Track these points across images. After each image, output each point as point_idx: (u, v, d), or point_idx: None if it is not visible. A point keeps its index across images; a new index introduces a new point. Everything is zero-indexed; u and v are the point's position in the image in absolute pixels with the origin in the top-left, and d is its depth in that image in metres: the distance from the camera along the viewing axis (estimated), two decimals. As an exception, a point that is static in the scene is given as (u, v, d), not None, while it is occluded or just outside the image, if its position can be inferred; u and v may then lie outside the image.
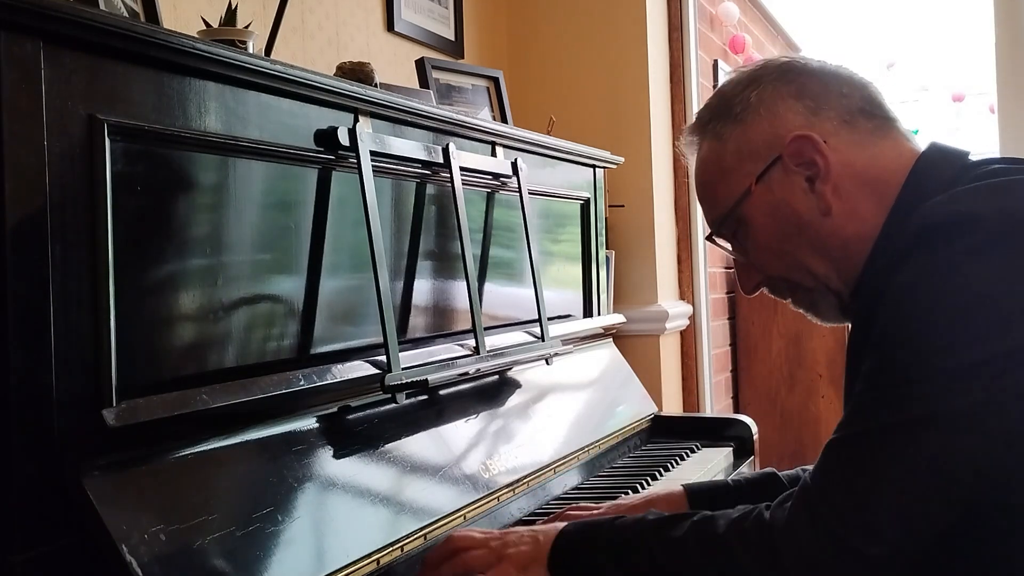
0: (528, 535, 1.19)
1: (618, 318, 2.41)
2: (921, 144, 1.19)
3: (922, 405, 0.98)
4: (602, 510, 1.43)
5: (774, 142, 1.15)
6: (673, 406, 3.03)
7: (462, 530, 1.24)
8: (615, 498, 1.59)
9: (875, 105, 1.17)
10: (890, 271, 1.03)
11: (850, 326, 1.18)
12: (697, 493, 1.43)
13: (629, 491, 1.67)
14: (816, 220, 1.14)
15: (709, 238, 1.26)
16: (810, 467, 1.46)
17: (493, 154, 1.86)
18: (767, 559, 1.03)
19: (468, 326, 1.69)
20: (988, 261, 0.98)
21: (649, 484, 1.77)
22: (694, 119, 1.28)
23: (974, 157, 1.16)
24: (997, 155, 2.35)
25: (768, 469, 1.48)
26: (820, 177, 1.14)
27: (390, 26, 2.52)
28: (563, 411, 1.91)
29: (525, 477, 1.62)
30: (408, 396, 1.43)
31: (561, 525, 1.20)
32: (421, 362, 1.49)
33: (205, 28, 1.58)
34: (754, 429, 2.21)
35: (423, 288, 1.65)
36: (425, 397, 1.52)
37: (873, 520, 0.99)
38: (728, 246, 1.24)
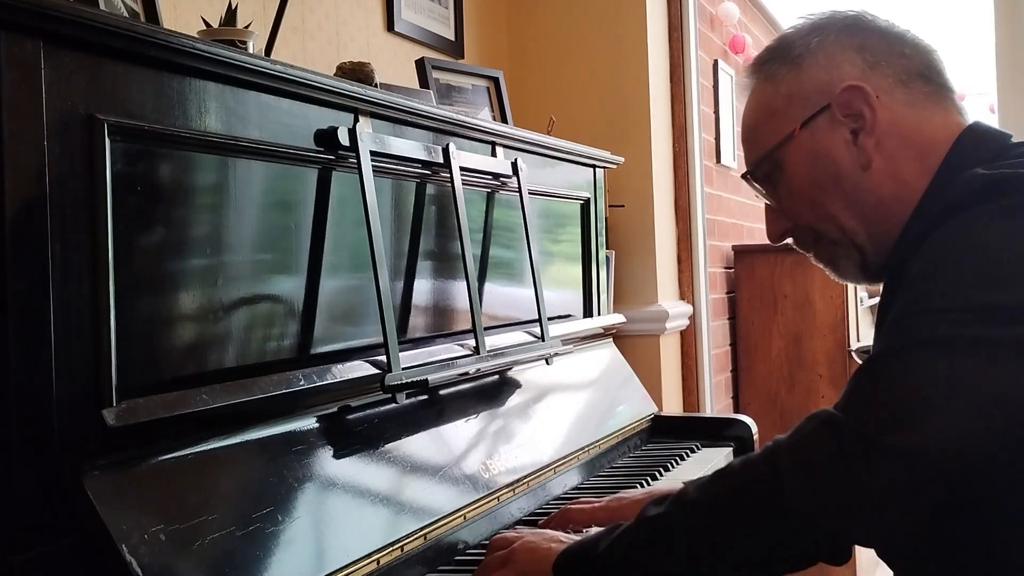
0: (546, 540, 1.18)
1: (618, 318, 2.41)
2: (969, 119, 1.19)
3: (960, 328, 0.95)
4: (602, 505, 1.43)
5: (826, 89, 1.15)
6: (673, 406, 3.03)
7: (493, 550, 1.23)
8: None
9: (935, 72, 1.17)
10: (926, 233, 1.03)
11: (882, 287, 1.17)
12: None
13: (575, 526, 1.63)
14: (854, 174, 1.14)
15: (744, 176, 1.25)
16: None
17: (493, 154, 1.86)
18: (768, 467, 0.99)
19: (468, 326, 1.69)
20: (1016, 222, 0.97)
21: (649, 484, 1.77)
22: (754, 57, 1.27)
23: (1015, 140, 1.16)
24: None
25: None
26: (865, 130, 1.13)
27: (390, 26, 2.51)
28: (563, 411, 1.91)
29: (525, 477, 1.62)
30: (408, 396, 1.43)
31: (572, 539, 1.17)
32: (421, 362, 1.49)
33: (205, 28, 1.58)
34: (754, 429, 2.21)
35: (423, 288, 1.65)
36: (425, 397, 1.52)
37: (914, 420, 0.93)
38: (762, 189, 1.23)
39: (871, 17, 1.20)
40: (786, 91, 1.18)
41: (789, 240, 1.25)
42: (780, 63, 1.20)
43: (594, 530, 1.44)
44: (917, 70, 1.16)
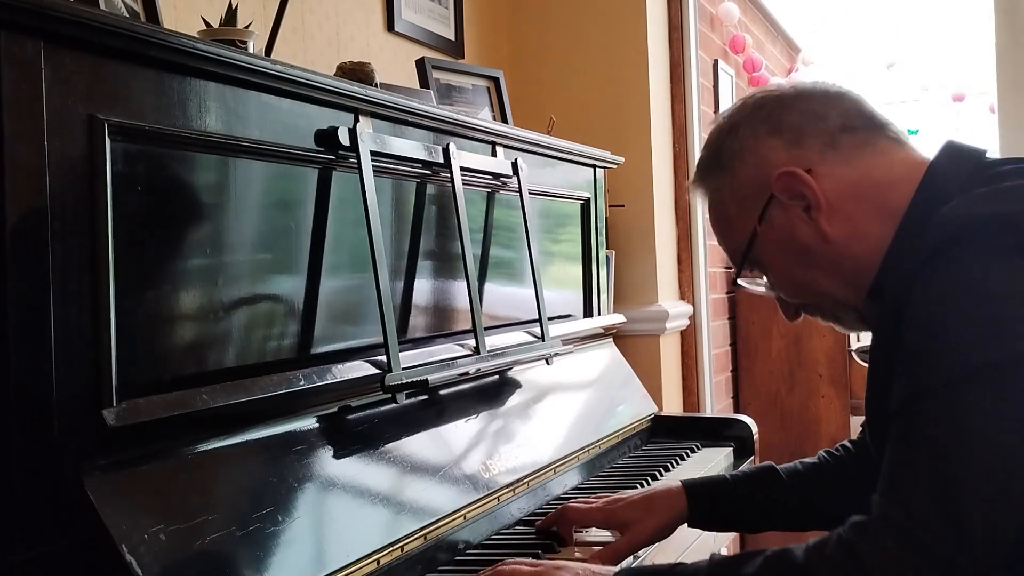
0: (583, 573, 1.16)
1: (618, 318, 2.41)
2: (917, 145, 1.19)
3: (962, 365, 0.96)
4: (599, 505, 1.43)
5: (763, 183, 1.18)
6: (673, 406, 3.03)
7: (511, 561, 1.22)
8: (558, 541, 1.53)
9: (855, 117, 1.19)
10: (913, 276, 1.04)
11: (872, 336, 1.18)
12: (695, 488, 1.43)
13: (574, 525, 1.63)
14: (821, 247, 1.17)
15: (734, 283, 1.30)
16: (807, 459, 1.48)
17: (493, 154, 1.86)
18: None
19: (468, 326, 1.69)
20: (1013, 262, 0.98)
21: (649, 484, 1.77)
22: (694, 172, 1.32)
23: (991, 155, 1.15)
24: (998, 155, 2.33)
25: (767, 463, 1.48)
26: (813, 207, 1.16)
27: (390, 26, 2.51)
28: (563, 411, 1.91)
29: (525, 477, 1.62)
30: (408, 396, 1.43)
31: (614, 569, 1.17)
32: (421, 362, 1.49)
33: (205, 28, 1.58)
34: (754, 429, 2.21)
35: (423, 288, 1.65)
36: (425, 397, 1.52)
37: (956, 511, 0.94)
38: (759, 285, 1.29)
39: (776, 92, 1.23)
40: (731, 196, 1.23)
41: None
42: (715, 173, 1.25)
43: (595, 533, 1.46)
44: (838, 125, 1.17)
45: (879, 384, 1.13)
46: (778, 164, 1.17)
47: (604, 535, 1.45)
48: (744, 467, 1.50)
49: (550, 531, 1.47)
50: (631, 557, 1.39)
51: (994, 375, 0.95)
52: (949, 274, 1.00)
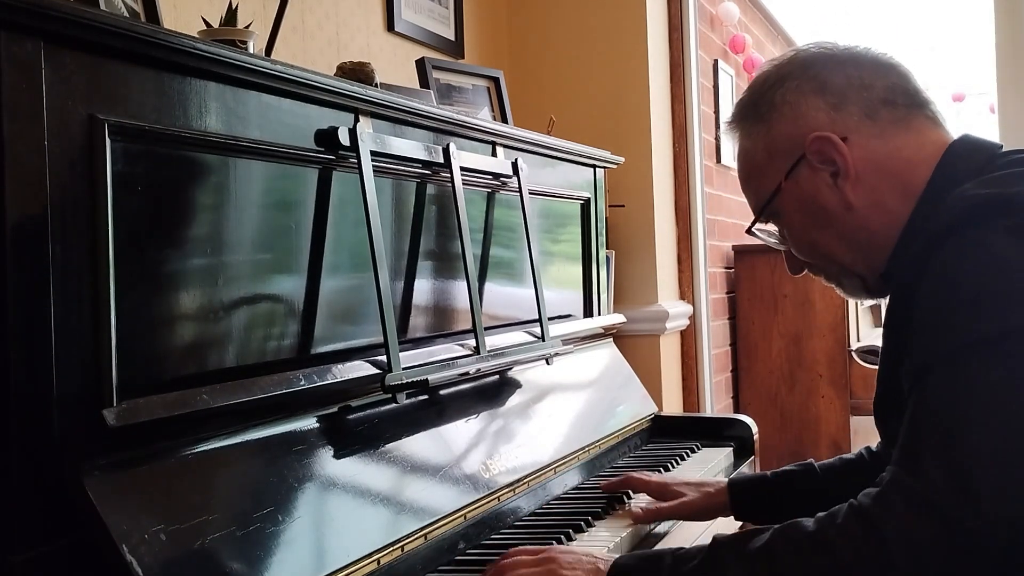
0: (586, 560, 1.16)
1: (618, 318, 2.41)
2: (952, 128, 1.22)
3: (972, 334, 0.98)
4: (656, 479, 1.61)
5: (797, 141, 1.20)
6: (673, 406, 3.03)
7: (514, 551, 1.24)
8: (618, 499, 1.66)
9: (899, 93, 1.20)
10: (927, 253, 1.06)
11: (885, 308, 1.22)
12: (736, 484, 1.55)
13: (630, 491, 1.67)
14: (842, 213, 1.19)
15: (749, 230, 1.31)
16: (846, 455, 1.53)
17: (493, 154, 1.86)
18: (873, 548, 0.98)
19: (468, 326, 1.69)
20: (1021, 239, 1.00)
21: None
22: (730, 112, 1.33)
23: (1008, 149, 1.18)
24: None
25: (808, 460, 1.56)
26: (841, 174, 1.18)
27: (390, 26, 2.51)
28: (563, 411, 1.91)
29: (525, 477, 1.62)
30: (408, 396, 1.43)
31: (614, 555, 1.17)
32: (421, 362, 1.49)
33: (205, 28, 1.58)
34: (754, 429, 2.21)
35: (423, 288, 1.65)
36: (425, 397, 1.52)
37: (964, 475, 0.95)
38: (767, 237, 1.31)
39: (830, 52, 1.24)
40: (763, 146, 1.24)
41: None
42: (752, 121, 1.26)
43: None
44: (880, 98, 1.19)
45: (891, 357, 1.14)
46: (816, 125, 1.19)
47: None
48: (787, 465, 1.59)
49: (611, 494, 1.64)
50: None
51: (1003, 344, 0.97)
52: (958, 251, 1.02)
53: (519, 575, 1.17)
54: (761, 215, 1.27)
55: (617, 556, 1.17)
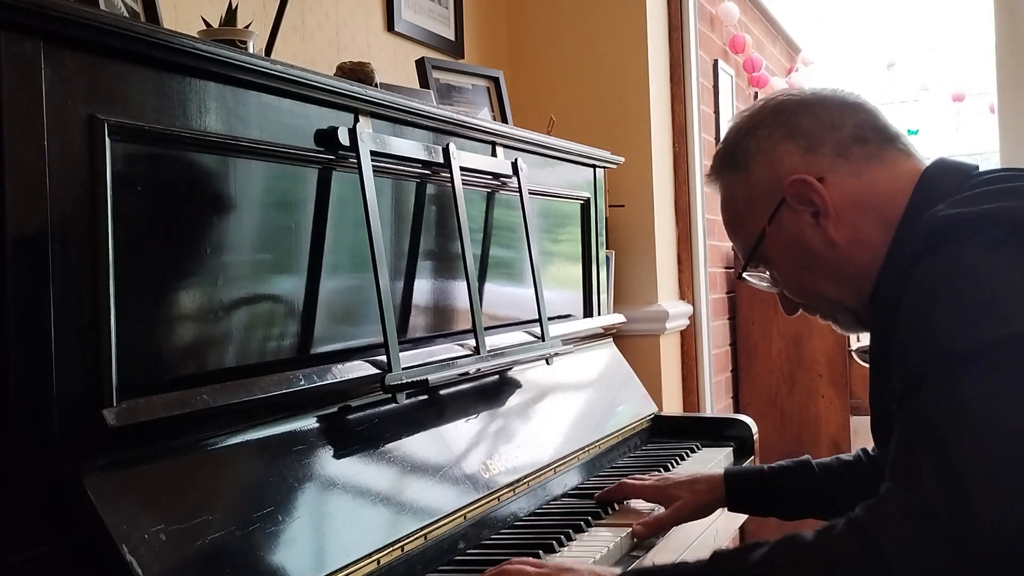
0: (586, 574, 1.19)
1: (618, 318, 2.41)
2: (925, 156, 1.25)
3: (954, 348, 1.00)
4: (651, 482, 1.61)
5: (776, 186, 1.24)
6: (673, 406, 3.03)
7: (517, 560, 1.24)
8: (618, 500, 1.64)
9: (869, 129, 1.24)
10: (904, 274, 1.09)
11: (870, 337, 1.23)
12: (733, 477, 1.56)
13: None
14: (826, 252, 1.23)
15: (739, 278, 1.36)
16: (844, 455, 1.55)
17: (493, 154, 1.86)
18: (871, 559, 0.99)
19: (468, 326, 1.69)
20: (1000, 256, 1.02)
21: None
22: (710, 165, 1.38)
23: (983, 169, 1.21)
24: (998, 154, 2.40)
25: (804, 457, 1.57)
26: (822, 214, 1.21)
27: (390, 26, 2.51)
28: (563, 411, 1.91)
29: (525, 477, 1.62)
30: (408, 396, 1.43)
31: (618, 570, 1.20)
32: (421, 362, 1.49)
33: (205, 28, 1.58)
34: (754, 429, 2.21)
35: (423, 288, 1.65)
36: (425, 397, 1.52)
37: (959, 486, 0.96)
38: (762, 278, 1.35)
39: (797, 98, 1.28)
40: (743, 195, 1.29)
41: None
42: (731, 171, 1.30)
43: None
44: (852, 136, 1.22)
45: (878, 381, 1.17)
46: (791, 169, 1.23)
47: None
48: (783, 460, 1.60)
49: (604, 503, 1.62)
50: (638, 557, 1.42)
51: (984, 357, 0.99)
52: (934, 269, 1.05)
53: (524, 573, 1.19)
54: (750, 261, 1.31)
55: (619, 572, 1.19)
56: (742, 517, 1.98)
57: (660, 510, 1.58)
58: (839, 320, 1.31)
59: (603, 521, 1.56)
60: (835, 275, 1.24)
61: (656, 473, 1.71)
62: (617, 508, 1.62)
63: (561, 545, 1.43)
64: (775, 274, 1.31)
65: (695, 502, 1.55)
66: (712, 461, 2.03)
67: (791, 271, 1.28)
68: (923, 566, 0.97)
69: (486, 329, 1.73)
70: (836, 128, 1.23)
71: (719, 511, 1.61)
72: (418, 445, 1.44)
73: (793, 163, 1.23)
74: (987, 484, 0.96)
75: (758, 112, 1.29)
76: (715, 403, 3.26)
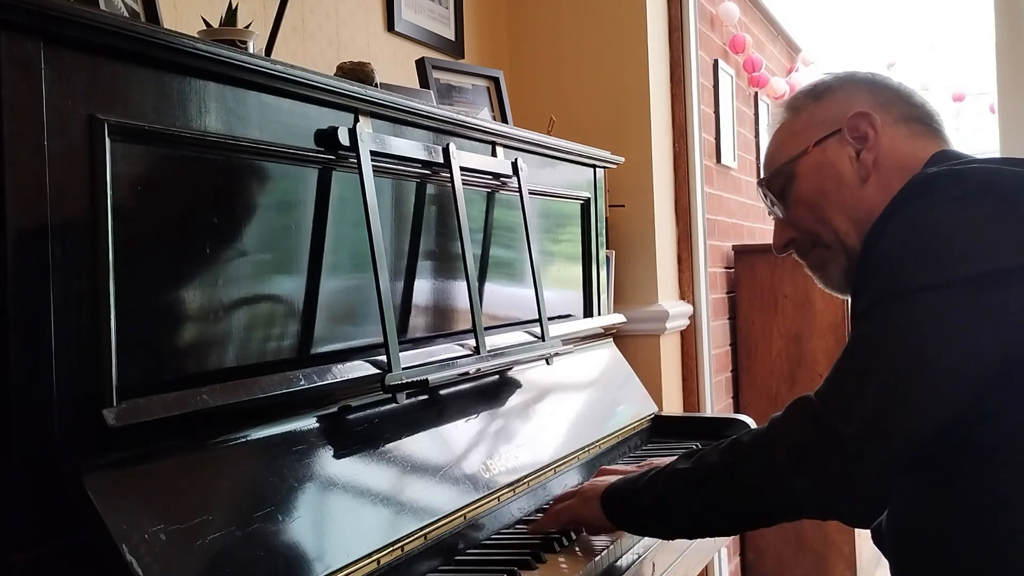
0: (590, 489, 1.44)
1: (618, 318, 2.41)
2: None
3: (908, 281, 1.13)
4: (632, 469, 1.58)
5: (839, 117, 1.34)
6: (673, 406, 3.03)
7: (560, 496, 1.52)
8: None
9: (933, 122, 1.36)
10: (883, 224, 1.20)
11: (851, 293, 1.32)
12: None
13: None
14: (854, 185, 1.31)
15: (760, 182, 1.42)
16: None
17: (493, 154, 1.86)
18: (762, 446, 1.21)
19: (468, 326, 1.69)
20: (963, 209, 1.14)
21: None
22: (787, 97, 1.50)
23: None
24: (998, 155, 2.43)
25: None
26: (867, 148, 1.31)
27: (390, 26, 2.51)
28: (563, 411, 1.91)
29: (525, 477, 1.62)
30: (408, 396, 1.43)
31: (606, 483, 1.42)
32: (421, 362, 1.49)
33: (205, 28, 1.58)
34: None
35: (423, 288, 1.65)
36: (425, 397, 1.52)
37: (847, 394, 1.14)
38: (773, 199, 1.40)
39: (887, 77, 1.40)
40: (807, 118, 1.38)
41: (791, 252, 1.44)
42: (804, 98, 1.40)
43: None
44: (917, 115, 1.35)
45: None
46: (860, 106, 1.33)
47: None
48: None
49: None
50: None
51: (938, 293, 1.11)
52: (908, 217, 1.17)
53: (559, 508, 1.47)
54: (779, 172, 1.37)
55: (605, 487, 1.41)
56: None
57: None
58: (828, 265, 1.37)
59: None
60: (850, 210, 1.31)
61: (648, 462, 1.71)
62: None
63: (561, 545, 1.43)
64: (791, 195, 1.37)
65: None
66: (712, 461, 2.02)
67: (811, 193, 1.34)
68: (803, 455, 1.16)
69: (486, 329, 1.73)
70: (911, 105, 1.34)
71: None
72: (418, 445, 1.44)
73: (864, 104, 1.33)
74: (877, 401, 1.12)
75: (851, 72, 1.40)
76: (715, 403, 3.26)
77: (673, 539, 1.51)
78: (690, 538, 1.55)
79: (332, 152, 1.37)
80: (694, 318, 3.14)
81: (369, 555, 1.20)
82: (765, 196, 1.41)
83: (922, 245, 1.14)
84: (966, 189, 1.16)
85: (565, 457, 1.78)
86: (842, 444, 1.13)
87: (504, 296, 1.93)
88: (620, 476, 1.43)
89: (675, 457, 1.36)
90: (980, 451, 1.14)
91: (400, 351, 1.42)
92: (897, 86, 1.38)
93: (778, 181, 1.38)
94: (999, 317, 1.10)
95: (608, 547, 1.44)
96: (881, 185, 1.29)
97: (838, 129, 1.33)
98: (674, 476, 1.31)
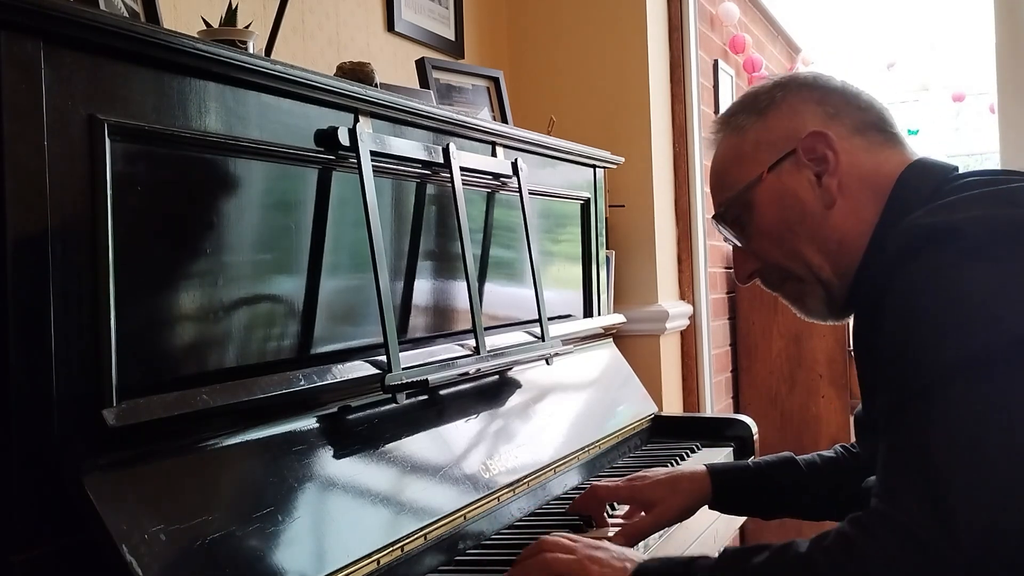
0: (616, 557, 1.16)
1: (618, 318, 2.41)
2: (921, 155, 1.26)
3: (940, 365, 1.00)
4: (624, 483, 1.48)
5: (791, 135, 1.23)
6: (673, 406, 3.03)
7: (556, 533, 1.22)
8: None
9: (887, 124, 1.26)
10: (883, 281, 1.09)
11: (852, 327, 1.25)
12: (719, 472, 1.48)
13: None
14: (819, 213, 1.22)
15: (714, 218, 1.32)
16: (825, 452, 1.53)
17: (493, 154, 1.86)
18: (856, 573, 1.00)
19: (468, 326, 1.69)
20: (973, 265, 1.02)
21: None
22: (725, 109, 1.35)
23: (963, 170, 1.22)
24: (998, 154, 2.40)
25: (786, 453, 1.52)
26: (828, 172, 1.21)
27: (390, 26, 2.51)
28: (563, 411, 1.91)
29: (525, 477, 1.62)
30: (408, 396, 1.43)
31: (643, 557, 1.17)
32: (421, 362, 1.49)
33: (205, 28, 1.58)
34: (754, 429, 2.21)
35: (423, 288, 1.65)
36: (425, 397, 1.52)
37: (943, 506, 0.97)
38: (730, 232, 1.30)
39: (828, 77, 1.30)
40: (753, 139, 1.27)
41: (757, 281, 1.33)
42: (747, 115, 1.28)
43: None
44: (871, 121, 1.25)
45: (868, 397, 1.19)
46: (811, 125, 1.23)
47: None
48: (765, 456, 1.54)
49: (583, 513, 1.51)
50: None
51: (969, 372, 0.99)
52: (912, 280, 1.05)
53: (553, 558, 1.16)
54: (734, 203, 1.27)
55: (646, 559, 1.16)
56: (742, 518, 1.98)
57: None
58: (806, 298, 1.28)
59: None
60: (819, 240, 1.22)
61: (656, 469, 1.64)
62: (610, 512, 1.54)
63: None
64: (751, 228, 1.26)
65: (678, 503, 1.44)
66: (712, 461, 2.02)
67: (774, 225, 1.24)
68: None
69: (486, 329, 1.73)
70: (861, 110, 1.25)
71: (715, 515, 1.59)
72: (418, 445, 1.44)
73: (814, 121, 1.23)
74: (970, 508, 0.96)
75: (790, 76, 1.30)
76: (715, 403, 3.26)
77: None
78: None
79: (332, 152, 1.37)
80: (694, 318, 3.15)
81: (369, 555, 1.20)
82: (721, 229, 1.31)
83: (939, 319, 1.02)
84: (969, 244, 1.03)
85: (565, 457, 1.78)
86: (955, 572, 0.96)
87: (504, 296, 1.93)
88: (660, 558, 1.19)
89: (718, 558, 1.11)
90: None
91: (400, 351, 1.42)
92: (842, 87, 1.27)
93: (733, 212, 1.28)
94: None
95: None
96: (849, 210, 1.21)
97: (792, 150, 1.23)
98: None
